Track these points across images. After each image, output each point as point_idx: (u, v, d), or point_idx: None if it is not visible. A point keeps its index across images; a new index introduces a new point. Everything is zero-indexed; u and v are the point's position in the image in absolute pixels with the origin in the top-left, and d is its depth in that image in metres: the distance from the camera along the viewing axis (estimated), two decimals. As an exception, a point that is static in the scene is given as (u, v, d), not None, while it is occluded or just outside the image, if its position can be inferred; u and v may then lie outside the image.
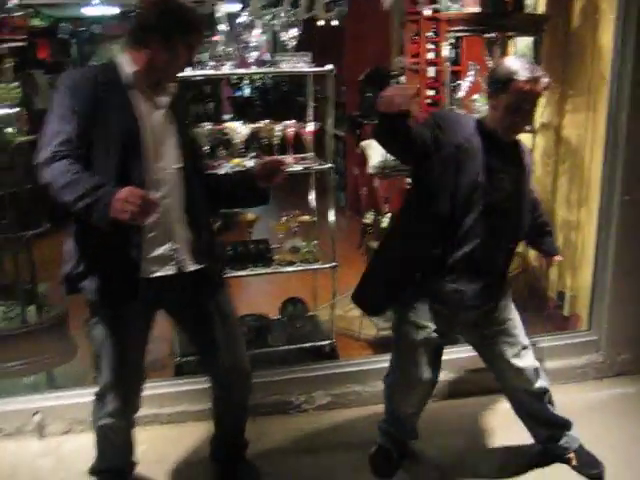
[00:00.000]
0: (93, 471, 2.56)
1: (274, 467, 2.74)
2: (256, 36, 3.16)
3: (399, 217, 2.63)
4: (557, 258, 2.78)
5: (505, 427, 2.96)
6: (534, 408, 2.66)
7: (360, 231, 5.06)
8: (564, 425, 2.71)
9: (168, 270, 2.26)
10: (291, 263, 3.39)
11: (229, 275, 3.22)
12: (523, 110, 2.27)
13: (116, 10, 7.86)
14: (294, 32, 3.21)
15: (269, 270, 3.35)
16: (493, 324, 2.51)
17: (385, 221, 4.41)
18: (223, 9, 3.12)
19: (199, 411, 3.05)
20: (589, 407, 3.15)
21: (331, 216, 3.49)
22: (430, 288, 2.41)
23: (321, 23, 3.62)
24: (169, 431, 3.03)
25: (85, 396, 2.99)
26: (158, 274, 2.24)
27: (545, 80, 2.26)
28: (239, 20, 3.15)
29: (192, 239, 2.30)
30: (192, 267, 2.30)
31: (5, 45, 2.83)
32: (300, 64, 3.22)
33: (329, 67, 3.24)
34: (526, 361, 2.55)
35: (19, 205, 3.20)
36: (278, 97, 9.65)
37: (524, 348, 2.55)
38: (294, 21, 3.19)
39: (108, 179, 2.06)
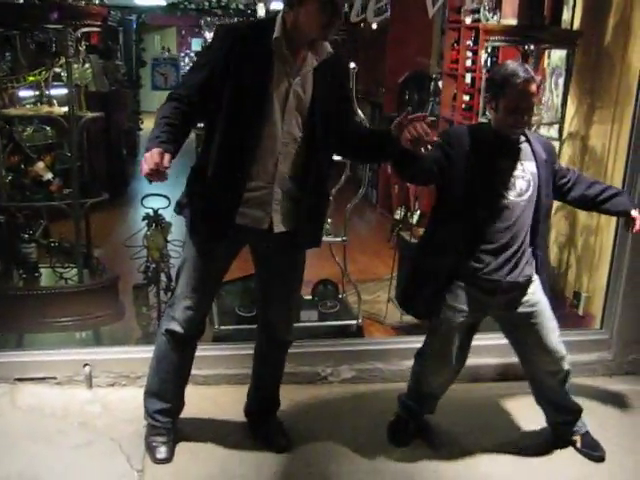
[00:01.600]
0: (147, 392, 2.79)
1: (299, 428, 2.96)
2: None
3: (430, 222, 2.79)
4: (634, 213, 2.70)
5: (519, 409, 3.16)
6: (555, 392, 2.80)
7: (390, 227, 5.31)
8: (578, 411, 2.88)
9: (259, 226, 2.45)
10: None
11: None
12: (521, 109, 2.45)
13: (163, 2, 8.17)
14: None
15: None
16: (524, 306, 2.65)
17: (415, 217, 4.64)
18: (263, 7, 3.35)
19: (233, 375, 3.30)
20: (596, 399, 3.32)
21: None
22: (466, 275, 2.60)
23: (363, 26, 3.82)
24: (205, 391, 3.26)
25: (130, 353, 3.32)
26: (249, 225, 2.45)
27: (537, 79, 2.48)
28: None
29: (292, 207, 2.46)
30: (282, 229, 2.47)
31: (84, 30, 3.12)
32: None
33: (352, 65, 3.46)
34: (555, 343, 2.69)
35: (82, 176, 3.50)
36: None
37: (553, 330, 2.70)
38: None
39: (225, 134, 2.32)
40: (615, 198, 2.72)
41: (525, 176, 2.56)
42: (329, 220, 3.70)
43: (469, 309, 2.63)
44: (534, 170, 2.58)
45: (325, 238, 3.59)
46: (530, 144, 2.60)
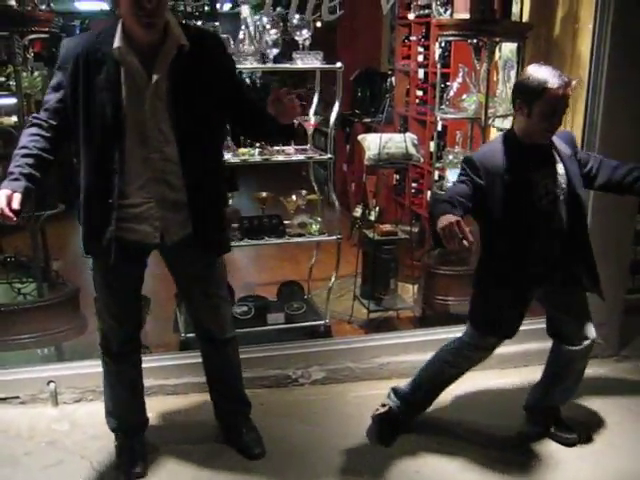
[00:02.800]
0: (112, 429, 2.75)
1: (272, 433, 2.92)
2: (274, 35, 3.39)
3: (483, 246, 2.76)
4: None
5: (502, 403, 3.19)
6: (575, 377, 2.82)
7: (350, 224, 5.32)
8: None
9: (151, 240, 2.38)
10: (300, 235, 3.64)
11: (246, 244, 3.54)
12: (558, 113, 2.45)
13: (106, 6, 8.03)
14: (306, 33, 3.42)
15: (282, 240, 3.62)
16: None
17: (373, 214, 4.66)
18: (246, 10, 3.34)
19: (202, 383, 3.21)
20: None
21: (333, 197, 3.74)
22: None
23: (318, 24, 3.84)
24: (173, 400, 3.22)
25: (95, 367, 3.20)
26: (142, 241, 2.39)
27: (573, 82, 2.48)
28: (259, 22, 3.37)
29: (181, 215, 2.37)
30: (174, 239, 2.40)
31: (31, 36, 3.03)
32: (314, 61, 3.46)
33: (339, 65, 3.47)
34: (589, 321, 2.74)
35: (39, 187, 3.38)
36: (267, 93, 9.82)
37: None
38: (306, 22, 3.41)
39: (88, 160, 2.25)
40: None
41: (557, 180, 2.57)
42: (319, 219, 3.72)
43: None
44: (562, 171, 2.59)
45: (298, 239, 3.64)
46: (553, 145, 2.60)
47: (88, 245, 2.44)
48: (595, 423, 3.07)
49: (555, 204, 2.58)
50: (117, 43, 2.17)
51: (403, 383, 2.96)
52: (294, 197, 3.73)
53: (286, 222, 3.69)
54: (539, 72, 2.44)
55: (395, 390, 2.95)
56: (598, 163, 2.68)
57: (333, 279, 3.73)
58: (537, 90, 2.42)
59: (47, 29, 3.07)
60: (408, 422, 2.96)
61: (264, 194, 3.81)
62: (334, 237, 3.67)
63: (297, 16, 3.29)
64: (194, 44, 2.24)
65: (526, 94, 2.47)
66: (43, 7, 3.11)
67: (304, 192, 3.79)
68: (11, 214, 2.07)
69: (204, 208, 2.41)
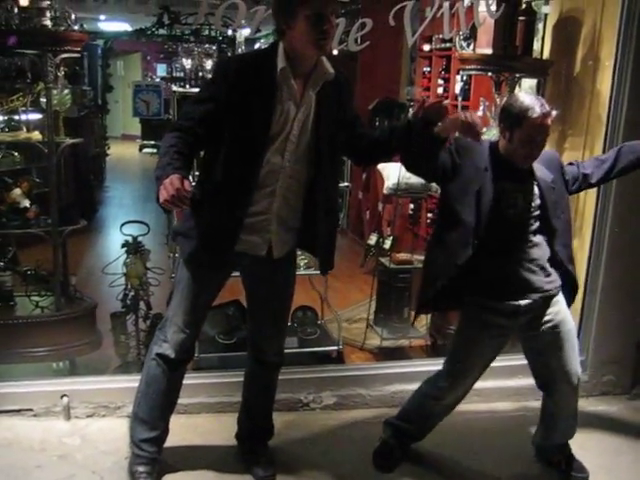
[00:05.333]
0: (138, 440, 2.72)
1: (281, 456, 2.93)
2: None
3: (434, 231, 2.84)
4: None
5: (504, 431, 3.18)
6: (567, 414, 2.81)
7: (364, 252, 5.35)
8: (573, 435, 2.90)
9: (257, 252, 2.49)
10: None
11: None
12: (536, 141, 2.50)
13: (128, 27, 8.17)
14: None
15: None
16: (548, 326, 2.67)
17: (388, 243, 4.69)
18: (243, 34, 3.41)
19: (214, 403, 3.27)
20: None
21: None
22: (481, 303, 2.63)
23: (335, 52, 3.89)
24: (186, 420, 3.20)
25: (108, 383, 3.27)
26: (247, 252, 2.48)
27: (554, 113, 2.51)
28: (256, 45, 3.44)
29: (290, 233, 2.52)
30: (281, 255, 2.53)
31: (63, 55, 3.11)
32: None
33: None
34: (576, 365, 2.72)
35: (60, 202, 3.45)
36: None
37: (575, 352, 2.73)
38: None
39: (229, 172, 2.33)
40: (622, 153, 2.75)
41: (528, 199, 2.59)
42: None
43: (492, 323, 2.65)
44: (537, 194, 2.60)
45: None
46: (532, 170, 2.62)
47: (201, 253, 2.46)
48: (608, 462, 3.05)
49: (522, 221, 2.58)
50: (281, 64, 2.30)
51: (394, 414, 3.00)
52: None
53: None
54: (523, 99, 2.49)
55: (385, 422, 3.00)
56: (584, 170, 2.74)
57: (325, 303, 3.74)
58: (518, 117, 2.47)
59: (79, 49, 3.15)
60: (406, 451, 2.98)
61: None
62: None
63: None
64: (335, 77, 2.39)
65: (508, 120, 2.52)
66: (76, 27, 3.19)
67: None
68: (187, 193, 2.06)
69: (326, 230, 2.54)
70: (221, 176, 2.37)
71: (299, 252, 3.56)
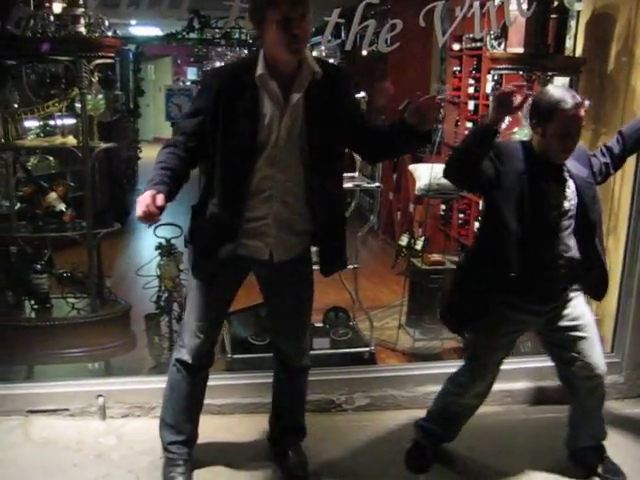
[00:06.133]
0: (167, 443, 2.77)
1: (314, 457, 2.93)
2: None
3: (481, 235, 2.81)
4: None
5: (544, 435, 3.13)
6: (593, 413, 2.79)
7: (395, 253, 5.33)
8: (605, 437, 2.86)
9: (260, 256, 2.48)
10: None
11: None
12: (571, 134, 2.45)
13: (159, 32, 8.24)
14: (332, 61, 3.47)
15: None
16: (567, 319, 2.66)
17: (419, 244, 4.68)
18: None
19: (247, 404, 3.29)
20: (610, 424, 3.27)
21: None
22: (509, 301, 2.61)
23: (364, 52, 3.89)
24: (219, 420, 3.24)
25: (143, 383, 3.30)
26: (250, 256, 2.48)
27: (586, 103, 2.47)
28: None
29: (292, 236, 2.50)
30: (282, 259, 2.50)
31: (97, 61, 3.17)
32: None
33: (362, 94, 3.52)
34: (599, 358, 2.69)
35: (94, 205, 3.51)
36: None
37: (596, 344, 2.70)
38: (333, 52, 3.47)
39: (222, 181, 2.36)
40: (624, 136, 2.76)
41: (567, 196, 2.56)
42: None
43: (516, 320, 2.65)
44: (574, 189, 2.58)
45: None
46: (566, 167, 2.59)
47: (203, 261, 2.51)
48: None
49: (561, 220, 2.55)
50: (260, 70, 2.30)
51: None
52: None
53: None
54: (553, 93, 2.46)
55: (416, 423, 2.99)
56: (609, 153, 2.72)
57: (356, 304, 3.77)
58: (549, 111, 2.43)
59: (112, 54, 3.19)
60: (438, 451, 2.97)
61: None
62: (351, 267, 3.64)
63: (322, 45, 3.36)
64: (326, 75, 2.36)
65: (540, 114, 2.48)
66: (109, 34, 3.24)
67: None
68: (156, 210, 2.13)
69: (332, 227, 2.52)
70: (216, 185, 2.40)
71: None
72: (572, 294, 2.68)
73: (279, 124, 2.34)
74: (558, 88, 2.50)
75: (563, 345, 2.71)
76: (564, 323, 2.66)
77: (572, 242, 2.60)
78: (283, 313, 2.71)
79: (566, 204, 2.56)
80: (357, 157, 3.67)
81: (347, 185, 3.62)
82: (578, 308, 2.68)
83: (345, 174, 3.63)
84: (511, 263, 2.52)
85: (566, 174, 2.58)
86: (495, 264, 2.57)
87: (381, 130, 2.57)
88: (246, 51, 5.02)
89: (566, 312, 2.66)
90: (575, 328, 2.66)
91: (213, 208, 2.43)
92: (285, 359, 2.79)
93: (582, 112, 2.44)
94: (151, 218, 2.13)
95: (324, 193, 2.46)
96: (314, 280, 2.71)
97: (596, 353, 2.69)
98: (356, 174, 3.75)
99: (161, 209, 2.14)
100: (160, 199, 2.13)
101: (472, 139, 2.50)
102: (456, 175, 2.55)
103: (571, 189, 2.58)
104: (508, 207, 2.50)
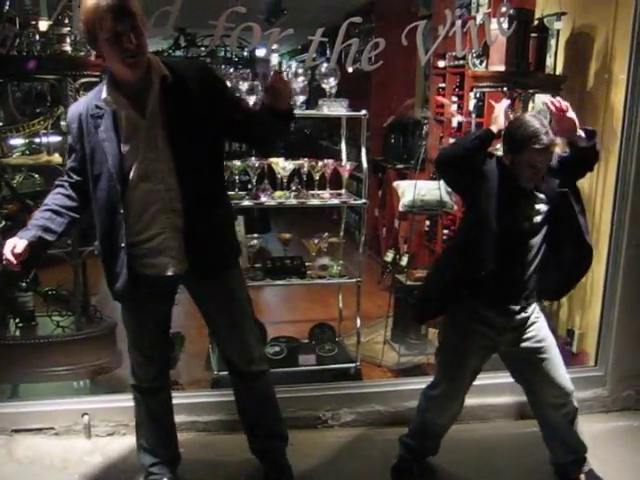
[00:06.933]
0: (146, 465, 2.78)
1: (300, 473, 2.92)
2: (300, 82, 3.49)
3: (457, 233, 2.87)
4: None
5: (527, 450, 3.14)
6: (565, 430, 2.81)
7: (381, 268, 5.36)
8: (585, 449, 2.88)
9: (165, 273, 2.44)
10: (321, 277, 3.72)
11: (267, 284, 3.65)
12: (538, 167, 2.48)
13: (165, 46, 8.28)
14: (332, 81, 3.54)
15: (304, 282, 3.73)
16: (532, 341, 2.69)
17: (404, 260, 4.70)
18: (277, 57, 3.46)
19: (233, 421, 3.24)
20: (594, 437, 3.30)
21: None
22: (475, 311, 2.65)
23: (350, 70, 3.95)
24: (205, 438, 3.25)
25: (129, 401, 3.23)
26: (160, 274, 2.44)
27: (558, 141, 2.53)
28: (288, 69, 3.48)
29: (186, 251, 2.41)
30: (169, 273, 2.44)
31: (82, 80, 3.18)
32: (339, 109, 3.57)
33: (363, 112, 3.58)
34: (564, 378, 2.73)
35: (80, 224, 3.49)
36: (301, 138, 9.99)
37: (560, 365, 2.74)
38: (333, 71, 3.52)
39: (98, 207, 2.39)
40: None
41: (539, 209, 2.60)
42: (341, 261, 3.80)
43: (481, 344, 2.69)
44: (545, 202, 2.61)
45: (319, 280, 3.69)
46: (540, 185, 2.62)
47: (111, 286, 2.51)
48: (628, 478, 3.05)
49: (533, 232, 2.59)
50: (104, 94, 2.30)
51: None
52: (316, 240, 3.79)
53: (308, 264, 3.77)
54: (527, 127, 2.44)
55: (400, 439, 3.00)
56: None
57: (358, 321, 3.76)
58: (521, 144, 2.45)
59: (98, 73, 3.20)
60: (422, 467, 2.98)
61: (287, 235, 3.89)
62: (354, 280, 3.71)
63: (325, 65, 3.40)
64: (180, 75, 2.33)
65: (510, 145, 2.51)
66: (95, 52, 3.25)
67: (325, 235, 3.84)
68: (12, 258, 2.23)
69: (201, 235, 2.42)
70: (96, 216, 2.44)
71: (330, 262, 3.74)
72: (533, 316, 2.71)
73: (140, 139, 2.32)
74: (535, 120, 2.46)
75: (528, 368, 2.75)
76: (528, 344, 2.70)
77: (541, 252, 2.64)
78: (218, 324, 2.68)
79: (537, 218, 2.60)
80: (344, 175, 3.71)
81: (334, 202, 3.67)
82: (542, 331, 2.73)
83: (331, 191, 3.72)
84: (485, 262, 2.55)
85: (535, 191, 2.61)
86: (469, 259, 2.61)
87: (254, 116, 2.53)
88: (232, 69, 5.07)
89: (530, 335, 2.70)
90: (539, 350, 2.70)
91: (99, 236, 2.46)
92: (232, 367, 2.74)
93: (552, 148, 2.47)
94: (9, 265, 2.25)
95: (192, 194, 2.38)
96: (245, 284, 2.72)
97: (560, 376, 2.73)
98: (343, 191, 3.79)
99: (18, 255, 2.24)
100: (19, 246, 2.24)
101: (473, 137, 2.57)
102: (446, 167, 2.60)
103: (542, 202, 2.61)
104: (490, 204, 2.53)
